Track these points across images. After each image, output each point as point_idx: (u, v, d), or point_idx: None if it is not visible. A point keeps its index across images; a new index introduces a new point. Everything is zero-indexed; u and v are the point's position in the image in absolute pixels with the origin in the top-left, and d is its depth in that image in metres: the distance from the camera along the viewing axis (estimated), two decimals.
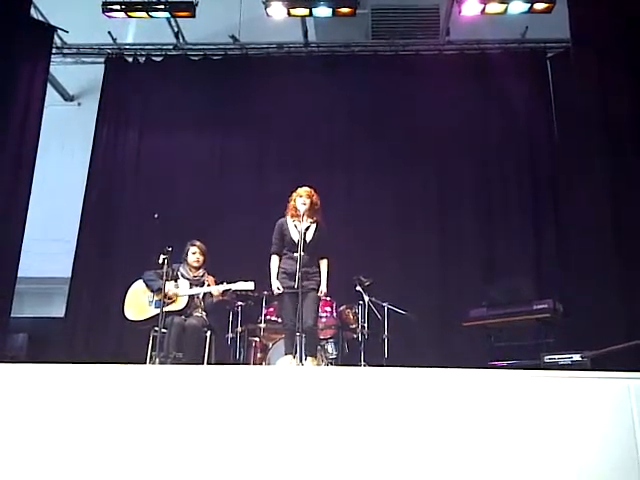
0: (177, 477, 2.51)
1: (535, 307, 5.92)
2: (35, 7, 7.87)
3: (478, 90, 8.24)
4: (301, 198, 5.20)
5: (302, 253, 4.98)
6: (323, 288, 5.15)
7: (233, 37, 8.61)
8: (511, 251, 7.58)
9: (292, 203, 5.26)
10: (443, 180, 8.10)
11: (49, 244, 8.15)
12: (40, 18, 8.14)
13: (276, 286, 5.16)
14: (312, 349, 5.13)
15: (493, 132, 8.17)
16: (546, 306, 5.86)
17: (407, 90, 8.28)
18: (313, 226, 5.20)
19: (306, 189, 5.26)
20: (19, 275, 7.42)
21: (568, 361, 4.66)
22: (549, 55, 8.42)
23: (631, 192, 6.41)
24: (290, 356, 5.05)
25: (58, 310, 7.94)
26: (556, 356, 4.80)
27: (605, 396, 2.66)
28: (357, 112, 8.29)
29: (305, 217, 5.18)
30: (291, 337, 5.10)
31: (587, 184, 6.87)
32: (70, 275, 7.98)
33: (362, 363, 6.11)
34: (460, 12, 7.34)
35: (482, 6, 7.18)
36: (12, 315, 7.34)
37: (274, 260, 5.26)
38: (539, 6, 7.12)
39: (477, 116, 8.20)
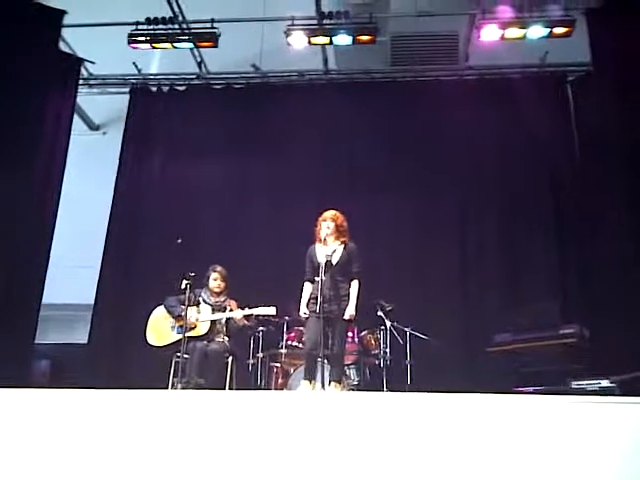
0: None
1: (561, 332, 5.82)
2: (63, 40, 8.09)
3: (498, 114, 8.22)
4: (325, 222, 5.22)
5: (330, 277, 5.00)
6: (351, 310, 5.06)
7: (254, 66, 8.74)
8: (535, 275, 7.46)
9: (318, 228, 5.27)
10: (464, 204, 8.07)
11: (74, 271, 8.24)
12: (68, 50, 8.38)
13: (303, 312, 5.16)
14: (337, 375, 5.07)
15: (514, 155, 8.11)
16: (572, 331, 5.77)
17: (427, 115, 8.30)
18: (340, 248, 5.18)
19: (331, 212, 5.28)
20: (44, 301, 7.52)
21: (596, 387, 4.57)
22: (569, 79, 8.40)
23: None
24: (307, 381, 5.00)
25: (82, 336, 8.00)
26: (584, 382, 4.71)
27: (634, 421, 2.59)
28: (377, 138, 8.31)
29: (332, 240, 5.20)
30: (309, 362, 5.06)
31: (610, 206, 6.82)
32: (93, 301, 8.07)
33: (384, 389, 6.03)
34: (479, 38, 7.37)
35: (501, 32, 7.20)
36: (36, 341, 7.43)
37: (306, 286, 5.26)
38: (559, 30, 7.13)
39: (497, 139, 8.17)
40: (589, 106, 7.64)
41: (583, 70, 8.07)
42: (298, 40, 7.46)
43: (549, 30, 7.13)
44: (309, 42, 7.46)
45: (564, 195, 7.89)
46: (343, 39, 7.39)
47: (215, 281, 5.89)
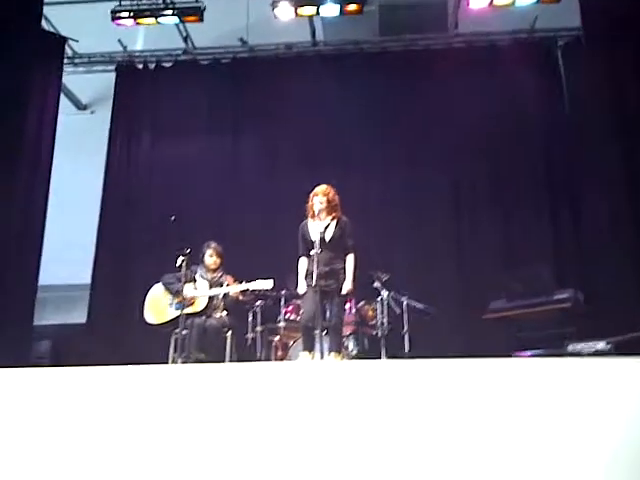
0: (200, 476, 2.51)
1: (556, 297, 5.85)
2: (46, 18, 7.96)
3: (489, 81, 8.15)
4: (317, 197, 5.20)
5: (325, 251, 5.00)
6: (348, 285, 5.08)
7: (241, 40, 8.62)
8: (529, 240, 7.49)
9: (310, 204, 5.25)
10: (457, 172, 8.07)
11: (69, 251, 8.20)
12: (51, 29, 8.24)
13: (301, 286, 5.18)
14: (336, 346, 5.11)
15: (506, 122, 8.05)
16: (567, 295, 5.80)
17: (418, 85, 8.26)
18: (333, 223, 5.18)
19: (322, 187, 5.25)
20: (40, 283, 7.51)
21: (592, 349, 4.63)
22: (560, 44, 8.34)
23: None
24: (307, 352, 5.04)
25: (80, 316, 8.01)
26: (579, 344, 4.77)
27: (632, 380, 2.63)
28: (368, 109, 8.22)
29: (324, 215, 5.19)
30: (307, 334, 5.09)
31: (601, 170, 6.86)
32: (90, 281, 8.07)
33: (383, 358, 6.08)
34: (468, 5, 7.30)
35: None
36: (35, 323, 7.43)
37: (301, 262, 5.26)
38: None
39: (488, 106, 8.09)
40: (579, 71, 7.62)
41: (573, 35, 8.02)
42: (284, 11, 7.36)
43: None
44: (296, 13, 7.37)
45: (555, 161, 7.90)
46: (330, 9, 7.29)
47: (211, 257, 5.89)
